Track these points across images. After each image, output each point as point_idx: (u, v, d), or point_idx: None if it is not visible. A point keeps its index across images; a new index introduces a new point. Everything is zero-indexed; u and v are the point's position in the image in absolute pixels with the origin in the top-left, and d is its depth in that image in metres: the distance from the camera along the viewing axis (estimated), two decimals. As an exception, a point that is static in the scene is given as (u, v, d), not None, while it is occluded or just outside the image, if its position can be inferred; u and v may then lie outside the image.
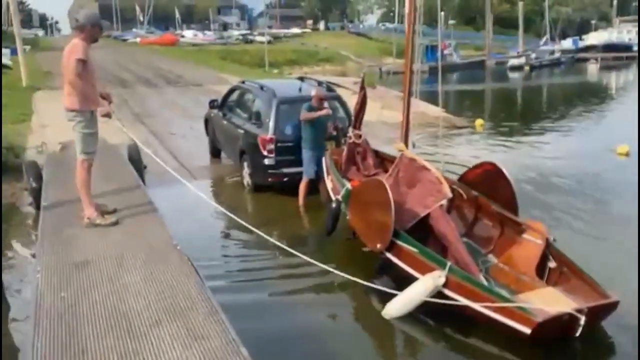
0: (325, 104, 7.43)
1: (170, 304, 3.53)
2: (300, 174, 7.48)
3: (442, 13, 56.02)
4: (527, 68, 40.42)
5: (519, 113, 20.29)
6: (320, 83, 8.94)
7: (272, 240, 5.27)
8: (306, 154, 7.39)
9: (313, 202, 7.53)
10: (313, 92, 7.48)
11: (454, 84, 33.91)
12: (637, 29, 48.51)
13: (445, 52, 45.28)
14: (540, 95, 27.02)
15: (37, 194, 6.91)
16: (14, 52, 25.67)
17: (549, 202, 7.73)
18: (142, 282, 3.88)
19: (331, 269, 4.87)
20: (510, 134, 13.96)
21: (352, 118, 7.34)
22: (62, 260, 4.32)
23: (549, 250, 4.86)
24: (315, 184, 7.52)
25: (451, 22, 52.17)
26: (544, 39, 53.04)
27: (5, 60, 26.44)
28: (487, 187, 5.67)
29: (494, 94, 27.87)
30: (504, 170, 5.54)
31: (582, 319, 3.93)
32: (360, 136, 7.02)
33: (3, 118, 13.13)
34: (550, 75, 38.51)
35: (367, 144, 7.13)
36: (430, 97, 11.69)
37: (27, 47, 28.59)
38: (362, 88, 7.14)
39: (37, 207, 6.78)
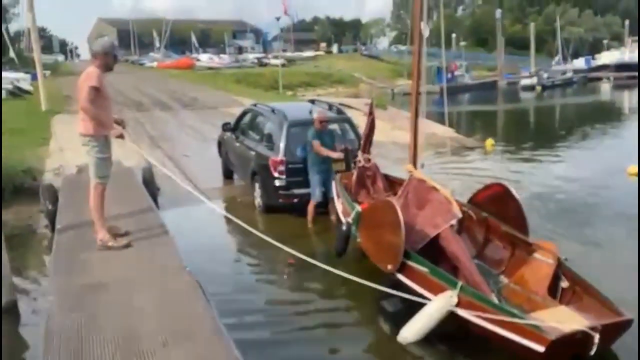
0: (338, 150, 7.55)
1: (177, 325, 3.59)
2: (310, 194, 7.58)
3: (454, 35, 56.68)
4: (538, 88, 40.33)
5: (530, 133, 20.24)
6: (330, 106, 9.07)
7: (289, 251, 5.19)
8: (313, 178, 7.51)
9: (322, 223, 7.61)
10: (314, 116, 7.60)
11: (465, 105, 34.04)
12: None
13: (457, 73, 45.56)
14: (552, 115, 26.94)
15: (52, 217, 7.04)
16: (34, 77, 26.34)
17: (556, 224, 7.60)
18: (152, 304, 3.96)
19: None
20: (521, 155, 13.92)
21: (362, 142, 7.39)
22: (74, 283, 4.41)
23: (560, 269, 4.80)
24: (324, 205, 7.61)
25: (462, 43, 52.49)
26: (556, 59, 53.04)
27: (25, 85, 27.16)
28: (496, 209, 5.67)
29: (505, 115, 27.84)
30: (513, 192, 5.55)
31: (596, 337, 3.84)
32: (369, 160, 7.07)
33: (23, 142, 13.49)
34: (563, 95, 38.40)
35: (376, 167, 7.18)
36: (441, 118, 11.71)
37: (47, 72, 29.29)
38: (371, 113, 7.20)
39: (53, 229, 6.91)
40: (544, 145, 15.43)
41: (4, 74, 29.13)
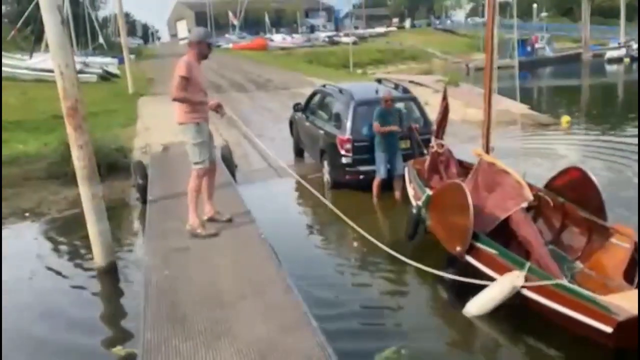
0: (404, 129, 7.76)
1: (253, 282, 4.13)
2: (375, 171, 7.90)
3: (535, 5, 53.90)
4: (626, 60, 37.72)
5: (612, 110, 19.03)
6: (396, 85, 9.30)
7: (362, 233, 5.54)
8: (378, 155, 7.80)
9: (387, 200, 7.95)
10: (381, 95, 7.86)
11: (546, 79, 32.58)
12: None
13: (537, 45, 43.53)
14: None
15: (143, 190, 7.82)
16: (121, 61, 28.11)
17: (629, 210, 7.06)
18: (231, 264, 4.52)
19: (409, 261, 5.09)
20: (599, 133, 13.30)
21: (435, 128, 7.44)
22: (165, 246, 5.08)
23: (638, 254, 4.66)
24: (389, 183, 7.92)
25: (543, 14, 49.87)
26: (649, 28, 49.15)
27: (113, 69, 29.06)
28: (574, 194, 5.53)
29: (587, 90, 26.44)
30: (592, 177, 5.38)
31: None
32: (442, 145, 7.11)
33: (114, 122, 14.71)
34: (655, 67, 35.73)
35: (450, 153, 7.19)
36: (520, 94, 11.15)
37: (132, 56, 31.07)
38: (444, 98, 7.24)
39: (143, 201, 7.68)
40: (627, 124, 14.55)
41: (95, 58, 31.35)
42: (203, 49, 5.27)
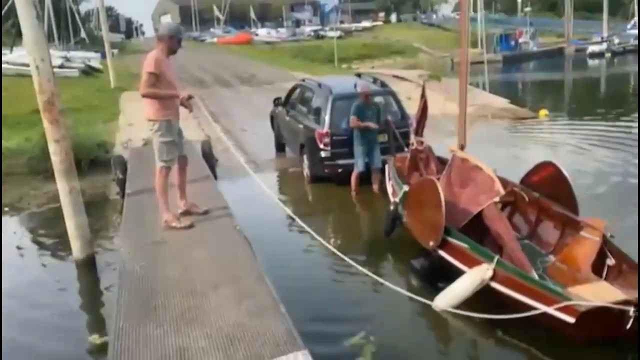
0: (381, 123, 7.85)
1: (227, 272, 4.21)
2: (353, 165, 8.03)
3: (519, 0, 54.23)
4: (608, 54, 38.27)
5: (592, 103, 19.27)
6: (375, 80, 9.41)
7: (328, 245, 5.56)
8: (357, 149, 7.92)
9: (365, 193, 8.07)
10: (359, 90, 7.98)
11: (529, 73, 32.98)
12: None
13: (521, 40, 43.94)
14: (620, 84, 25.57)
15: (122, 184, 7.85)
16: (103, 55, 27.88)
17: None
18: (206, 255, 4.60)
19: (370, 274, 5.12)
20: (577, 126, 13.51)
21: (415, 125, 7.52)
22: (141, 238, 5.15)
23: (606, 246, 4.77)
24: (367, 176, 8.05)
25: (527, 9, 50.32)
26: (631, 22, 49.78)
27: (95, 64, 28.81)
28: (548, 188, 5.65)
29: (568, 84, 26.82)
30: (564, 172, 5.50)
31: (631, 311, 3.72)
32: (422, 143, 7.20)
33: (96, 118, 14.67)
34: (635, 61, 36.23)
35: (430, 150, 7.28)
36: (502, 88, 11.15)
37: (115, 51, 30.80)
38: (423, 96, 7.34)
39: (123, 195, 7.71)
40: (607, 117, 14.63)
41: (77, 53, 31.06)
42: (174, 44, 5.16)
